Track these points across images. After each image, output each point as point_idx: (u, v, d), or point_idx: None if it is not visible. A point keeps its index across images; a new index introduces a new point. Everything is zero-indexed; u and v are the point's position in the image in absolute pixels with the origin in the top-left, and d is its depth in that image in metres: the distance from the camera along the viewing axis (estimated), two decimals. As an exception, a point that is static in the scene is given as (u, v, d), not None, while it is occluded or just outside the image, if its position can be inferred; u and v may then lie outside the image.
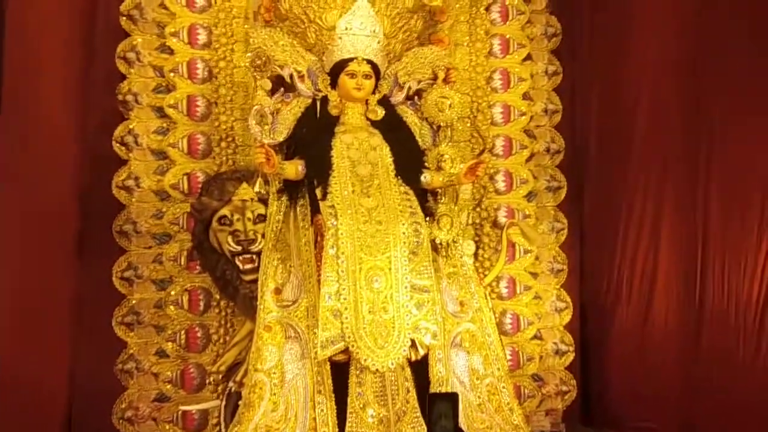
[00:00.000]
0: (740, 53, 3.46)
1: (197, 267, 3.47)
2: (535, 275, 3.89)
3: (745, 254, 2.97)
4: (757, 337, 2.93)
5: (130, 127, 3.54)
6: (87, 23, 3.58)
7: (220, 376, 3.18)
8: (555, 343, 3.86)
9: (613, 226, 3.75)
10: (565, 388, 3.84)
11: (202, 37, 3.62)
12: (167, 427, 3.42)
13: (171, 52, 3.59)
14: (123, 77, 3.56)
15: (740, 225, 3.01)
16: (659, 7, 3.58)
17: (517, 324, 3.84)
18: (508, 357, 3.71)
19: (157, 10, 3.60)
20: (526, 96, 3.97)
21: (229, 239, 3.11)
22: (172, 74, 3.58)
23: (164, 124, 3.57)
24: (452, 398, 2.45)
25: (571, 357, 3.86)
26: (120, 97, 3.54)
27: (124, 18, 3.57)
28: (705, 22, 3.40)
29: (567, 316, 3.89)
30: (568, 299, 3.90)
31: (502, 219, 3.85)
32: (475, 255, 3.74)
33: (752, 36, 3.26)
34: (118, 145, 3.53)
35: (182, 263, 3.50)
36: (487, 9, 3.95)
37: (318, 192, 3.12)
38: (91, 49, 3.58)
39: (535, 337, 3.84)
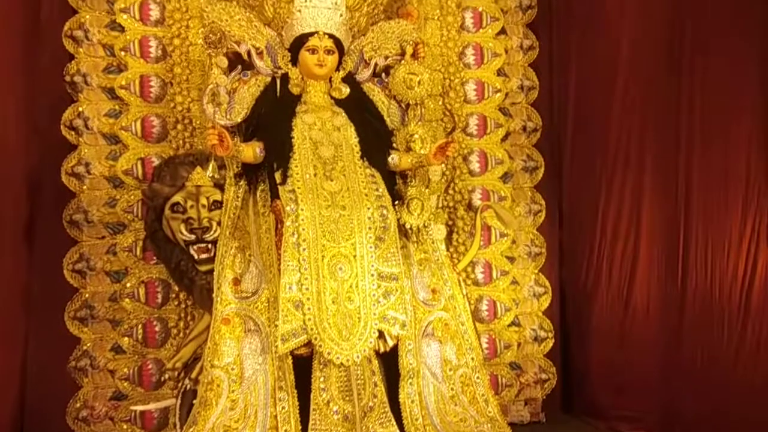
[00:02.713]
0: (722, 25, 3.28)
1: (154, 257, 3.27)
2: (512, 259, 3.73)
3: (729, 234, 2.81)
4: (742, 322, 2.78)
5: (80, 109, 3.34)
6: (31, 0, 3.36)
7: (176, 373, 2.99)
8: (533, 330, 3.71)
9: (593, 207, 3.59)
10: (544, 377, 3.69)
11: (154, 13, 3.42)
12: (125, 426, 3.25)
13: (122, 29, 3.39)
14: (71, 57, 3.35)
15: (723, 203, 2.85)
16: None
17: (494, 310, 3.68)
18: (485, 345, 3.58)
19: (106, -15, 3.38)
20: (500, 72, 3.80)
21: (182, 227, 2.93)
22: (123, 53, 3.38)
23: (116, 106, 3.38)
24: None
25: (550, 344, 3.72)
26: (68, 79, 3.34)
27: (71, -6, 3.36)
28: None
29: (546, 302, 3.74)
30: (547, 284, 3.75)
31: (476, 201, 3.69)
32: (450, 239, 3.61)
33: (735, 10, 3.08)
34: (66, 129, 3.33)
35: (137, 254, 3.31)
36: (458, -19, 3.76)
37: (277, 176, 2.95)
38: (36, 28, 3.37)
39: (512, 323, 3.69)
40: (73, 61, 3.35)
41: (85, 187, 3.31)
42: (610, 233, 3.50)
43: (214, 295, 2.86)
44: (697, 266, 3.03)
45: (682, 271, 3.10)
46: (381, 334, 2.86)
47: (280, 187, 2.90)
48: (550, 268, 3.79)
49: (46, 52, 3.36)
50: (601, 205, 3.55)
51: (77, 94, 3.35)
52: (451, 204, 3.65)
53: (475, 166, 3.73)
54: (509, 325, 3.69)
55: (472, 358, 3.12)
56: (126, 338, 3.29)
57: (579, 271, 3.71)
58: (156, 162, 3.32)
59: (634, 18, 3.50)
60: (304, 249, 2.80)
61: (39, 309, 3.27)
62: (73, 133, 3.33)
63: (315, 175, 2.93)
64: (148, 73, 3.39)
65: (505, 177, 3.76)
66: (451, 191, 3.66)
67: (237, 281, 2.91)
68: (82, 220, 3.29)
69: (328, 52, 3.09)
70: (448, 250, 3.48)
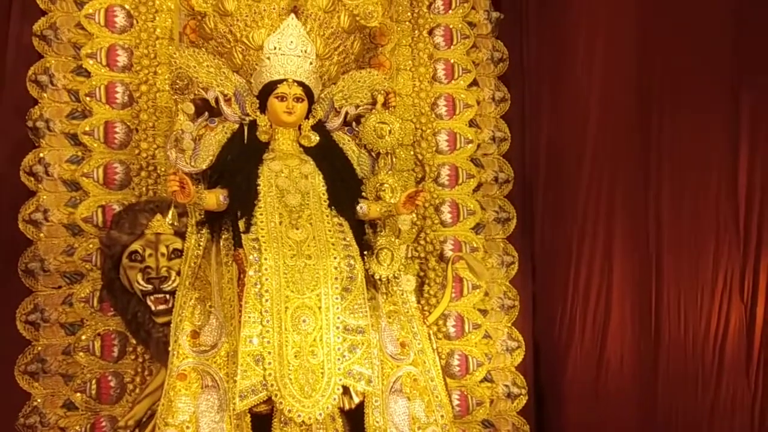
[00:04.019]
0: (690, 80, 3.33)
1: (111, 308, 3.14)
2: (484, 312, 3.64)
3: (701, 286, 2.79)
4: (716, 376, 2.74)
5: (41, 155, 3.26)
6: (-4, 44, 3.31)
7: (128, 432, 2.84)
8: (507, 386, 3.60)
9: (565, 259, 3.56)
10: (518, 435, 3.57)
11: (122, 59, 3.37)
12: (74, 488, 3.06)
13: (88, 74, 3.34)
14: (35, 102, 3.28)
15: (695, 255, 2.85)
16: (606, 26, 3.45)
17: (466, 365, 3.57)
18: (456, 402, 3.46)
19: (74, 30, 3.35)
20: (472, 123, 3.78)
21: (139, 277, 2.81)
22: (88, 99, 3.31)
23: (78, 153, 3.30)
24: None
25: (524, 400, 3.60)
26: (30, 124, 3.26)
27: (37, 38, 3.31)
28: (653, 38, 3.26)
29: (519, 356, 3.64)
30: (521, 338, 3.66)
31: (448, 252, 3.62)
32: (420, 291, 3.52)
33: (702, 56, 3.13)
34: (26, 175, 3.23)
35: (94, 305, 3.18)
36: (431, 33, 3.79)
37: (241, 224, 2.86)
38: (0, 72, 3.30)
39: (485, 379, 3.58)
40: (36, 107, 3.28)
41: (42, 234, 3.20)
42: (583, 286, 3.46)
43: (170, 348, 2.73)
44: (671, 319, 3.01)
45: (655, 325, 3.06)
46: (346, 391, 2.73)
47: (243, 236, 2.81)
48: (524, 322, 3.71)
49: (8, 97, 3.30)
50: (573, 257, 3.52)
51: (39, 140, 3.26)
52: (422, 255, 3.58)
53: (447, 216, 3.68)
54: (481, 381, 3.58)
55: (442, 416, 2.99)
56: (79, 394, 3.14)
57: (553, 324, 3.65)
58: (118, 209, 3.22)
59: (603, 72, 3.56)
60: (266, 300, 2.69)
61: (-13, 362, 3.12)
62: (32, 179, 3.24)
63: (280, 223, 2.85)
64: (113, 119, 3.33)
65: (477, 228, 3.71)
66: (422, 242, 3.59)
67: (196, 334, 2.78)
68: (38, 269, 3.17)
69: (297, 99, 3.04)
70: (418, 302, 3.39)
